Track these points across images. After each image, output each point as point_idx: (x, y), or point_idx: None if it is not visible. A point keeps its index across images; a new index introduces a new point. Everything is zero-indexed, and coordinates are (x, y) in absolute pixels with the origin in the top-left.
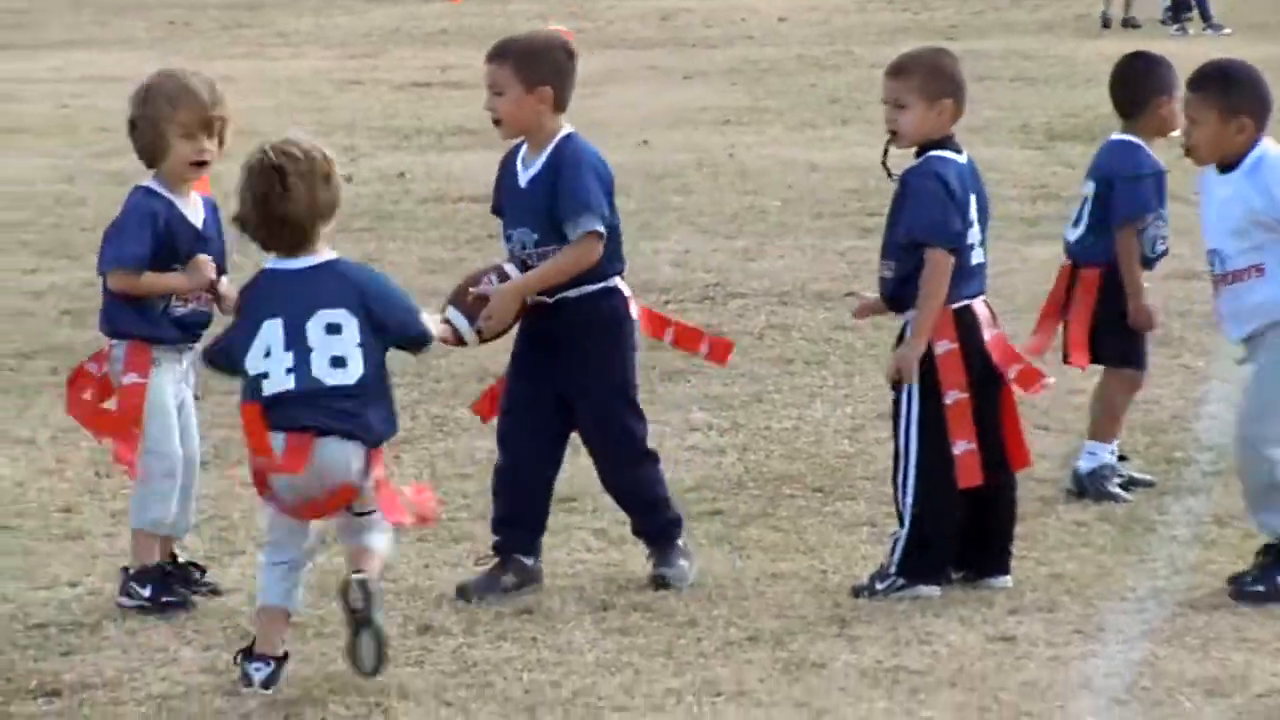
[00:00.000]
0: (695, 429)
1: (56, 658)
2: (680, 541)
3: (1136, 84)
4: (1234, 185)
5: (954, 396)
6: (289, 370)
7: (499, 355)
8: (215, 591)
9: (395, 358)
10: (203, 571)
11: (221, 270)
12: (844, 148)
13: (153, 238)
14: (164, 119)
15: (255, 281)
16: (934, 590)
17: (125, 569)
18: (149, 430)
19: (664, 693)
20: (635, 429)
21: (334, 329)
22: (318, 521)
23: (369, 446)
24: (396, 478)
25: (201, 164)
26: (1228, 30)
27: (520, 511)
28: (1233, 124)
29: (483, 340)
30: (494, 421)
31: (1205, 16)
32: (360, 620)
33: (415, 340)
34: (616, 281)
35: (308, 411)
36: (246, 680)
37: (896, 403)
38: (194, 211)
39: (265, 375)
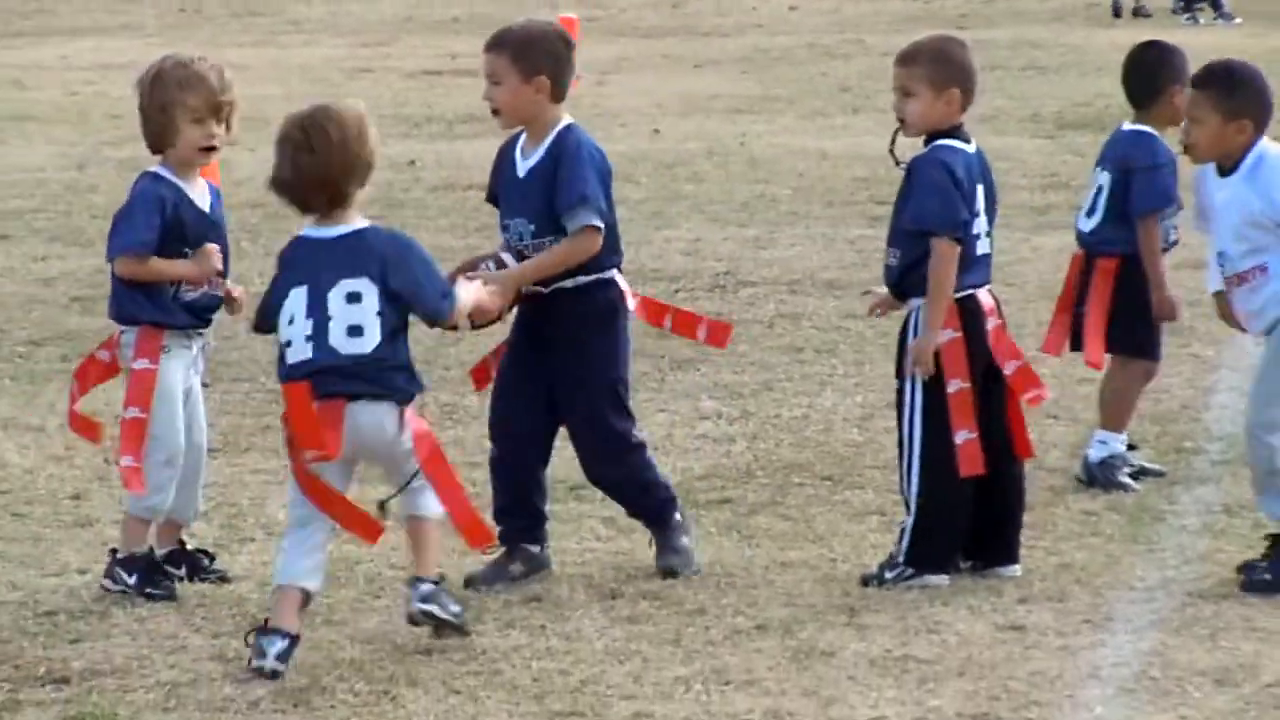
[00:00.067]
0: (705, 417)
1: (65, 645)
2: (677, 517)
3: (1150, 73)
4: (1233, 188)
5: (956, 385)
6: (308, 338)
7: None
8: (224, 579)
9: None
10: (211, 558)
11: (226, 255)
12: (855, 136)
13: (161, 223)
14: (173, 104)
15: (289, 247)
16: (942, 579)
17: (113, 551)
18: (154, 416)
19: (672, 681)
20: (620, 424)
21: (354, 298)
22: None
23: (400, 404)
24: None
25: (210, 149)
26: (1238, 20)
27: (516, 502)
28: (1233, 125)
29: (474, 327)
30: None
31: (1216, 6)
32: (450, 632)
33: (428, 316)
34: (613, 274)
35: (332, 379)
36: (260, 653)
37: (900, 392)
38: (201, 196)
39: (289, 343)
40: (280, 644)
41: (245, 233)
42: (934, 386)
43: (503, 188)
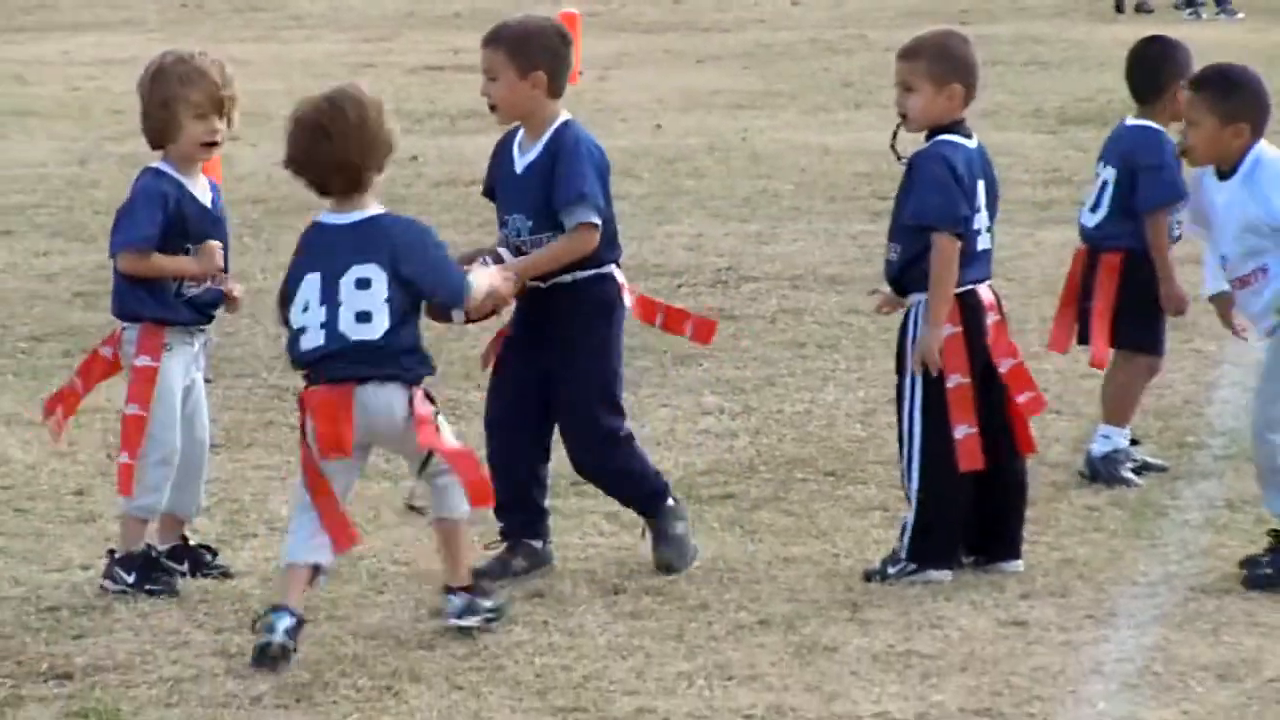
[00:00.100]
0: (707, 413)
1: (68, 640)
2: (670, 503)
3: (1154, 69)
4: (1230, 193)
5: (956, 381)
6: (321, 325)
7: None
8: (226, 574)
9: None
10: (214, 554)
11: (226, 251)
12: (856, 131)
13: (163, 219)
14: (176, 99)
15: (305, 233)
16: (945, 574)
17: (111, 552)
18: (152, 415)
19: (675, 676)
20: (608, 416)
21: (363, 284)
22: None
23: (409, 385)
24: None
25: (213, 144)
26: (1241, 15)
27: (515, 497)
28: (1230, 128)
29: (468, 321)
30: None
31: (1219, 1)
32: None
33: (442, 303)
34: (611, 269)
35: (340, 363)
36: (269, 628)
37: (900, 387)
38: (203, 192)
39: (303, 330)
40: (289, 620)
41: (247, 228)
42: (934, 382)
43: (500, 183)
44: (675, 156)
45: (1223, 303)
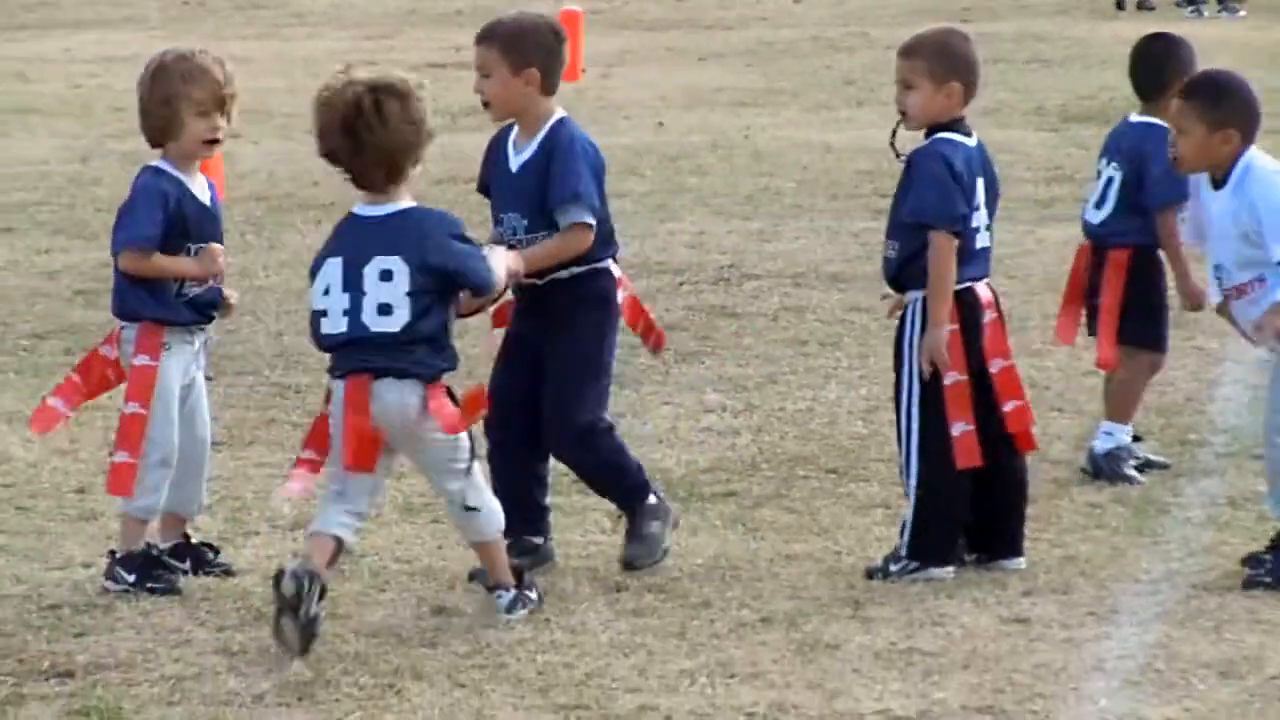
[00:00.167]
0: (709, 410)
1: (70, 639)
2: (650, 501)
3: (1157, 65)
4: (1223, 202)
5: (953, 378)
6: (344, 312)
7: None
8: (229, 572)
9: None
10: (216, 552)
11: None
12: (859, 129)
13: (164, 218)
14: (178, 97)
15: (339, 223)
16: (947, 572)
17: (112, 552)
18: (151, 416)
19: (677, 674)
20: (590, 406)
21: (386, 276)
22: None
23: (425, 381)
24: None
25: (214, 142)
26: (1243, 12)
27: (515, 495)
28: (1218, 135)
29: (460, 316)
30: None
31: None
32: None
33: (475, 290)
34: (608, 264)
35: (360, 354)
36: (281, 567)
37: (897, 385)
38: (202, 190)
39: (324, 313)
40: (309, 565)
41: (249, 226)
42: (931, 379)
43: (495, 181)
44: (678, 154)
45: (1228, 312)
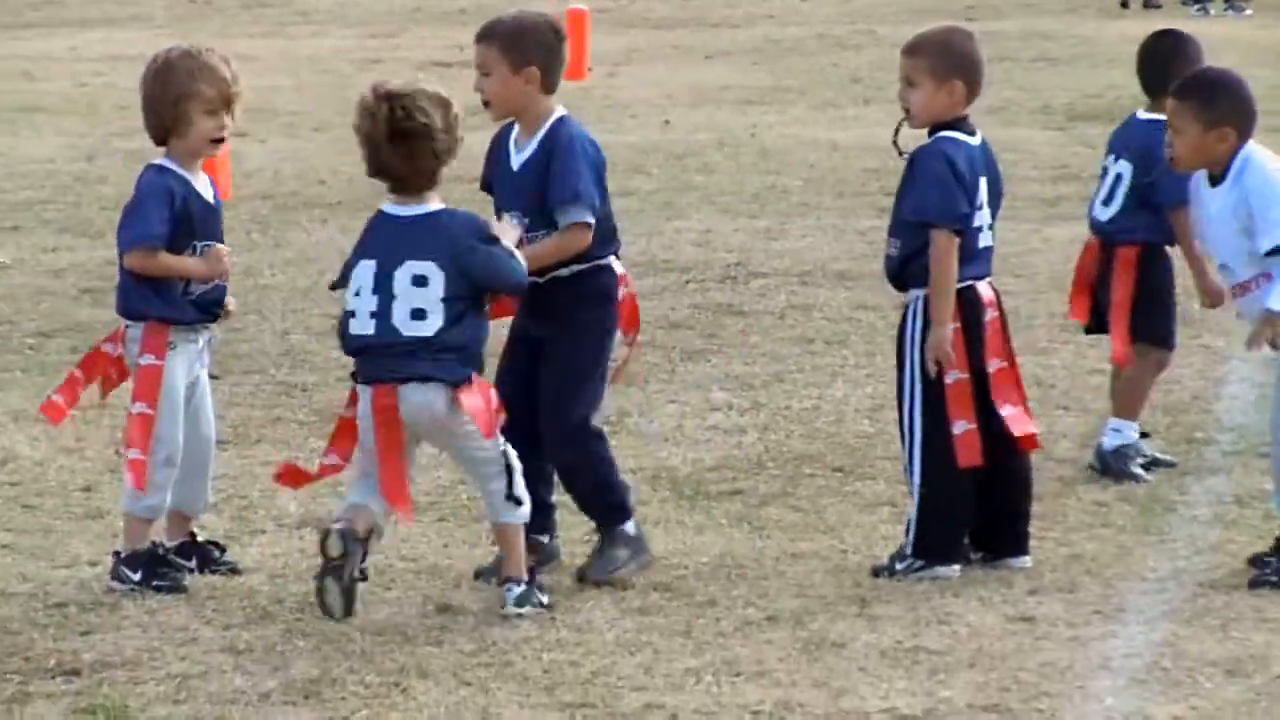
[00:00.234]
0: (716, 408)
1: (76, 637)
2: (625, 528)
3: (1164, 62)
4: (1222, 198)
5: (954, 376)
6: (372, 314)
7: None
8: (235, 571)
9: None
10: (222, 550)
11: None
12: (865, 127)
13: (171, 216)
14: (187, 95)
15: (370, 220)
16: (953, 570)
17: (116, 553)
18: (157, 415)
19: (683, 672)
20: (582, 407)
21: (420, 281)
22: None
23: (451, 385)
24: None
25: (220, 140)
26: (1249, 11)
27: None
28: (1213, 133)
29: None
30: None
31: None
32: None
33: (507, 292)
34: (609, 261)
35: (388, 360)
36: (326, 529)
37: (900, 383)
38: (205, 188)
39: (353, 314)
40: (351, 527)
41: (255, 224)
42: (935, 378)
43: (497, 180)
44: (684, 152)
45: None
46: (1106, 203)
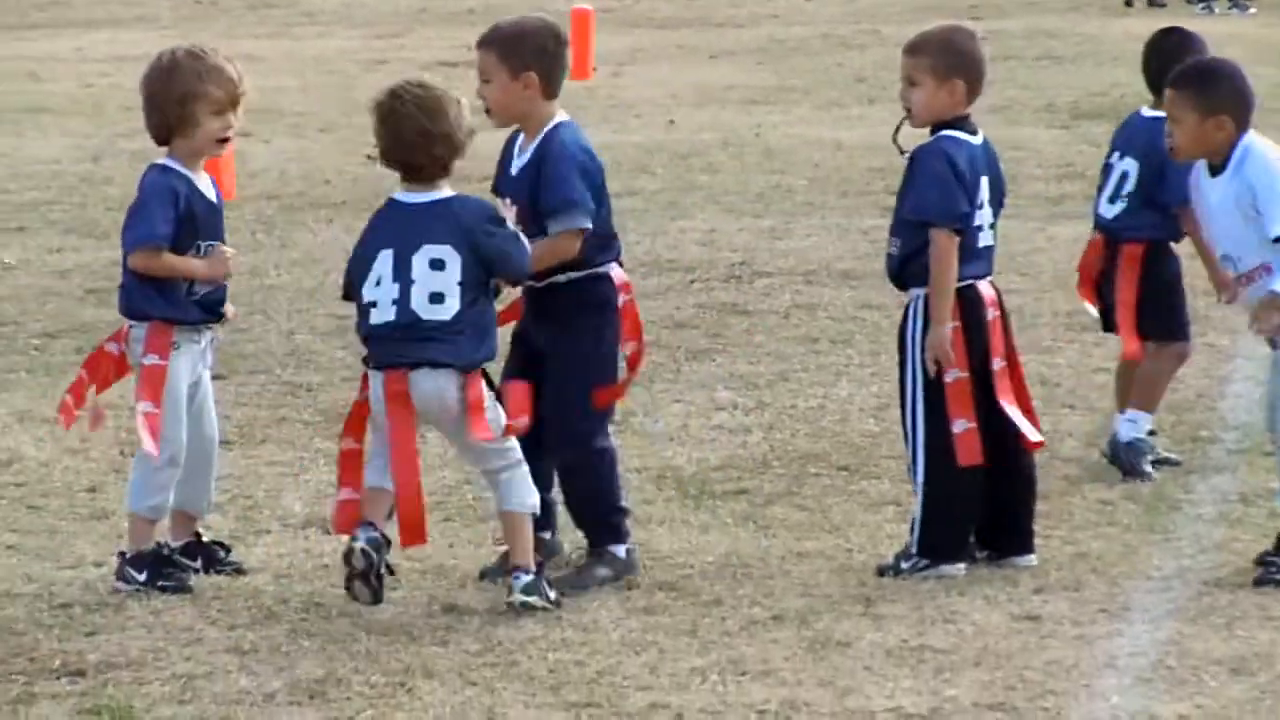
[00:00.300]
0: (721, 408)
1: (81, 637)
2: (615, 550)
3: (1170, 60)
4: (1223, 188)
5: (954, 375)
6: (394, 301)
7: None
8: (240, 571)
9: None
10: (227, 550)
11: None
12: (870, 127)
13: (175, 216)
14: (195, 95)
15: (379, 211)
16: (958, 569)
17: (122, 553)
18: (160, 415)
19: (688, 672)
20: (585, 420)
21: (438, 264)
22: None
23: (461, 371)
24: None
25: (225, 140)
26: (1253, 9)
27: None
28: (1211, 122)
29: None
30: None
31: None
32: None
33: (512, 278)
34: (608, 269)
35: (402, 345)
36: (354, 538)
37: (901, 382)
38: (208, 188)
39: (374, 304)
40: (373, 532)
41: (260, 225)
42: (935, 377)
43: (502, 183)
44: (689, 152)
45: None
46: (1112, 200)
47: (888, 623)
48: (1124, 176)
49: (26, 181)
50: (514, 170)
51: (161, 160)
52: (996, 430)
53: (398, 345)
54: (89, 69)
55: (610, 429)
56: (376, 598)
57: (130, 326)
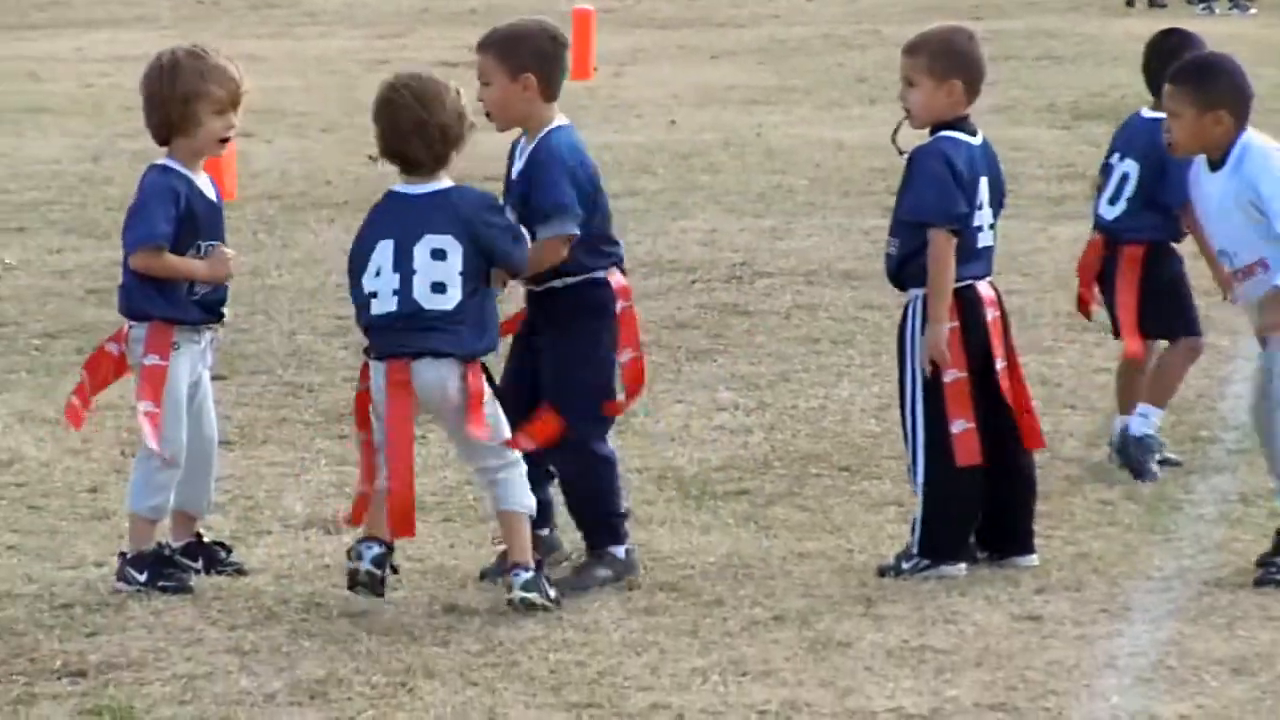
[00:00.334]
0: (722, 408)
1: (82, 638)
2: (614, 551)
3: (1171, 62)
4: (1222, 183)
5: (952, 375)
6: (395, 291)
7: None
8: (241, 571)
9: None
10: (229, 551)
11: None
12: (871, 127)
13: (176, 216)
14: (197, 95)
15: (377, 204)
16: (959, 569)
17: (122, 553)
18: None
19: (689, 672)
20: (583, 425)
21: (439, 254)
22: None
23: (462, 360)
24: (422, 457)
25: (226, 140)
26: (1254, 10)
27: None
28: (1209, 116)
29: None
30: None
31: None
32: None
33: (510, 270)
34: (604, 274)
35: (404, 335)
36: (357, 556)
37: (901, 383)
38: (207, 187)
39: (375, 294)
40: (376, 549)
41: (262, 225)
42: (933, 377)
43: (506, 187)
44: (690, 152)
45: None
46: (1113, 201)
47: (889, 623)
48: (1124, 178)
49: (27, 181)
50: (514, 174)
51: (161, 160)
52: (996, 430)
53: (400, 335)
54: (89, 69)
55: (610, 432)
56: (382, 594)
57: (130, 327)
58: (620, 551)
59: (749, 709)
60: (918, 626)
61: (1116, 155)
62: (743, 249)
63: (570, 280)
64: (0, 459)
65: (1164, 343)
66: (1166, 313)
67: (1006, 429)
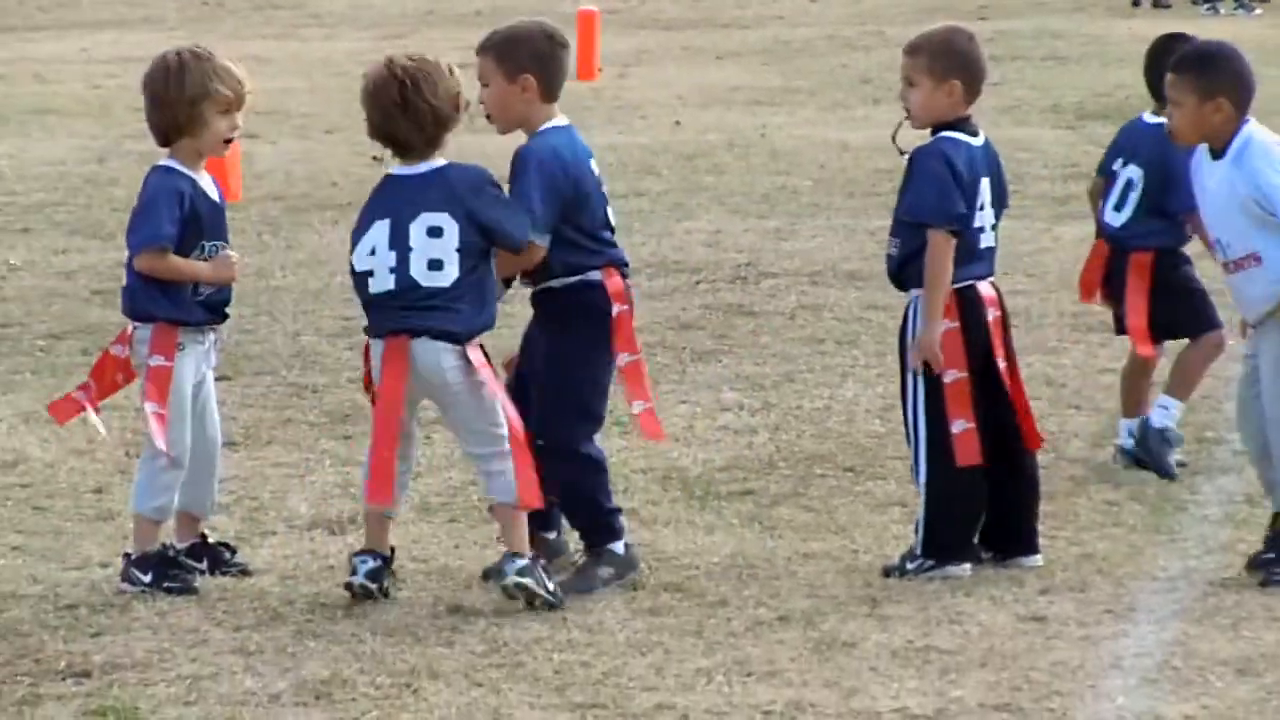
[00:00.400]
0: (727, 409)
1: (86, 638)
2: (613, 548)
3: None
4: (1221, 173)
5: (953, 375)
6: (391, 270)
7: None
8: (245, 572)
9: None
10: (233, 552)
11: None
12: (875, 128)
13: (180, 217)
14: (203, 96)
15: (377, 187)
16: (964, 569)
17: (127, 554)
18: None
19: (694, 672)
20: (568, 427)
21: (435, 232)
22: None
23: (461, 342)
24: (428, 457)
25: (230, 140)
26: (1259, 10)
27: None
28: (1209, 105)
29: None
30: None
31: None
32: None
33: (508, 247)
34: (598, 275)
35: (402, 313)
36: (352, 570)
37: (903, 383)
38: (210, 187)
39: (371, 273)
40: (372, 563)
41: (266, 226)
42: (934, 377)
43: None
44: (694, 153)
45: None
46: (1118, 208)
47: (893, 623)
48: (1129, 184)
49: (32, 183)
50: None
51: (164, 161)
52: (1000, 431)
53: (398, 313)
54: (95, 70)
55: (610, 433)
56: (385, 595)
57: (135, 328)
58: (619, 547)
59: (754, 709)
60: (923, 627)
61: (1120, 161)
62: (747, 249)
63: (565, 281)
64: (5, 460)
65: (1174, 343)
66: (1183, 314)
67: (1010, 429)
